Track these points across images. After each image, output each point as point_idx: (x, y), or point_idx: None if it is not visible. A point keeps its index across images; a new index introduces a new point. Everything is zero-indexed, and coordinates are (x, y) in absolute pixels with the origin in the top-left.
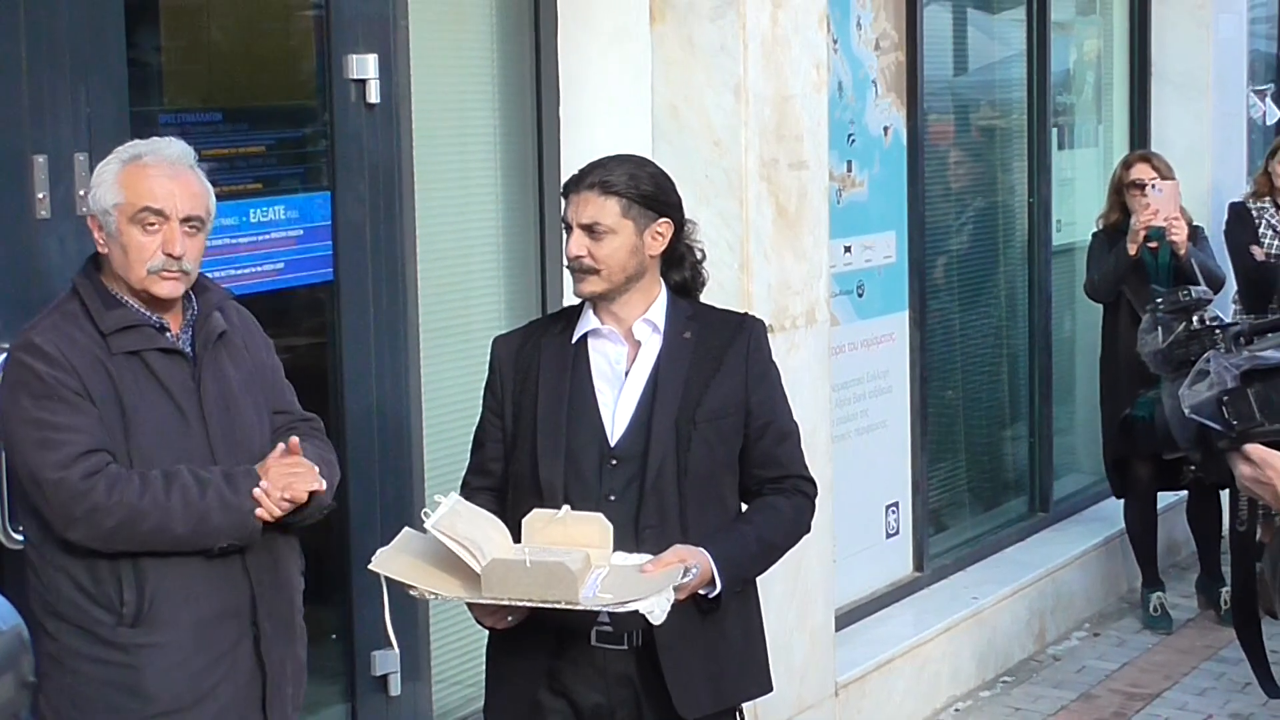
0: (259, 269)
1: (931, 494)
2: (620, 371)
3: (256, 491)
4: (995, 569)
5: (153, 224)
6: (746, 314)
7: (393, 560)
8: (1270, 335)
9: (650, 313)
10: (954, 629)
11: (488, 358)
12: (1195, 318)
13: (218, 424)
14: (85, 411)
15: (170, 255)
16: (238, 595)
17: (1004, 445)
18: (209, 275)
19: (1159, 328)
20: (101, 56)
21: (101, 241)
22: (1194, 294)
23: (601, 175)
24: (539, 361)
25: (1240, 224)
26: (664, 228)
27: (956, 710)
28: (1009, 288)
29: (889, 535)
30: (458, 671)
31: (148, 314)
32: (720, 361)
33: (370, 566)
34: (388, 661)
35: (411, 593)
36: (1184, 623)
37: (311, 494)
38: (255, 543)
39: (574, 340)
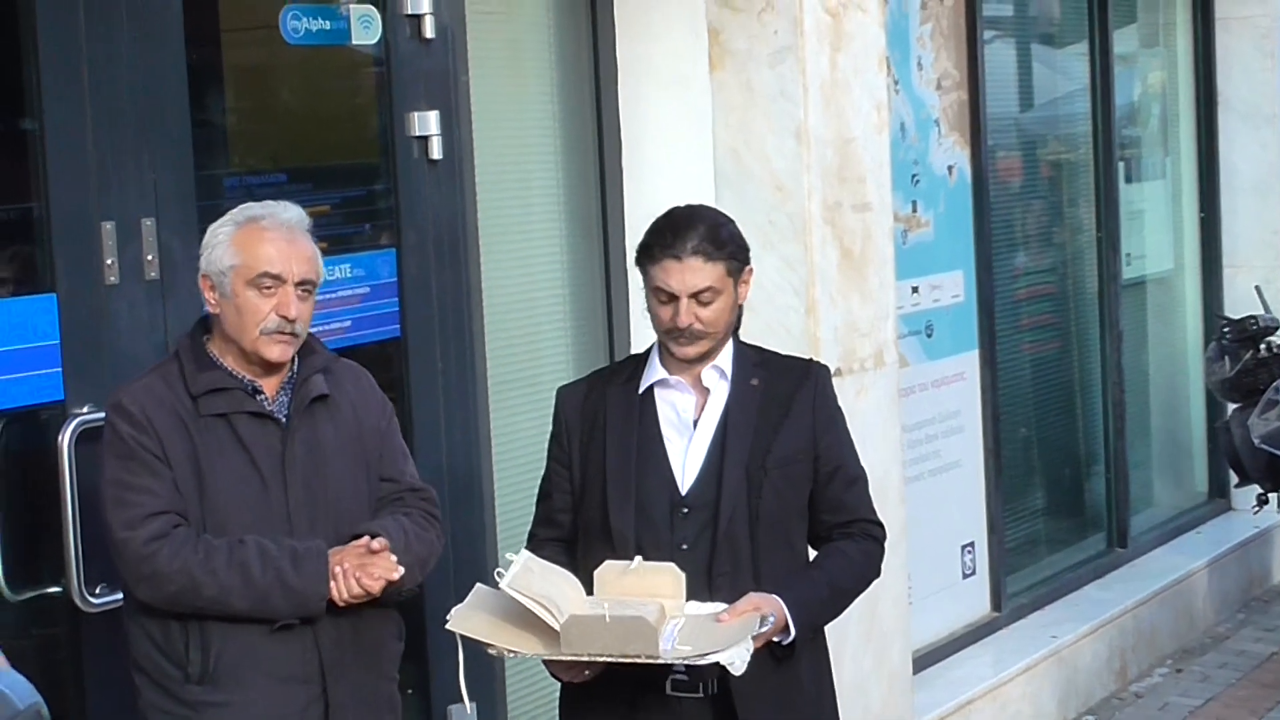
0: (326, 327)
1: (1007, 533)
2: (689, 420)
3: (336, 570)
4: (1074, 607)
5: (269, 287)
6: (811, 359)
7: (469, 618)
8: None
9: (719, 360)
10: (1034, 669)
11: None
12: (1263, 345)
13: (300, 489)
14: (160, 474)
15: (285, 318)
16: (306, 663)
17: (1080, 482)
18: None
19: (1226, 356)
20: (165, 121)
21: (213, 301)
22: (1261, 321)
23: (702, 237)
24: (606, 411)
25: None
26: (748, 276)
27: None
28: (1079, 323)
29: (965, 576)
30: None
31: (241, 377)
32: (788, 408)
33: (447, 626)
34: (463, 717)
35: (490, 651)
36: (1267, 657)
37: (390, 581)
38: (321, 616)
39: (640, 390)
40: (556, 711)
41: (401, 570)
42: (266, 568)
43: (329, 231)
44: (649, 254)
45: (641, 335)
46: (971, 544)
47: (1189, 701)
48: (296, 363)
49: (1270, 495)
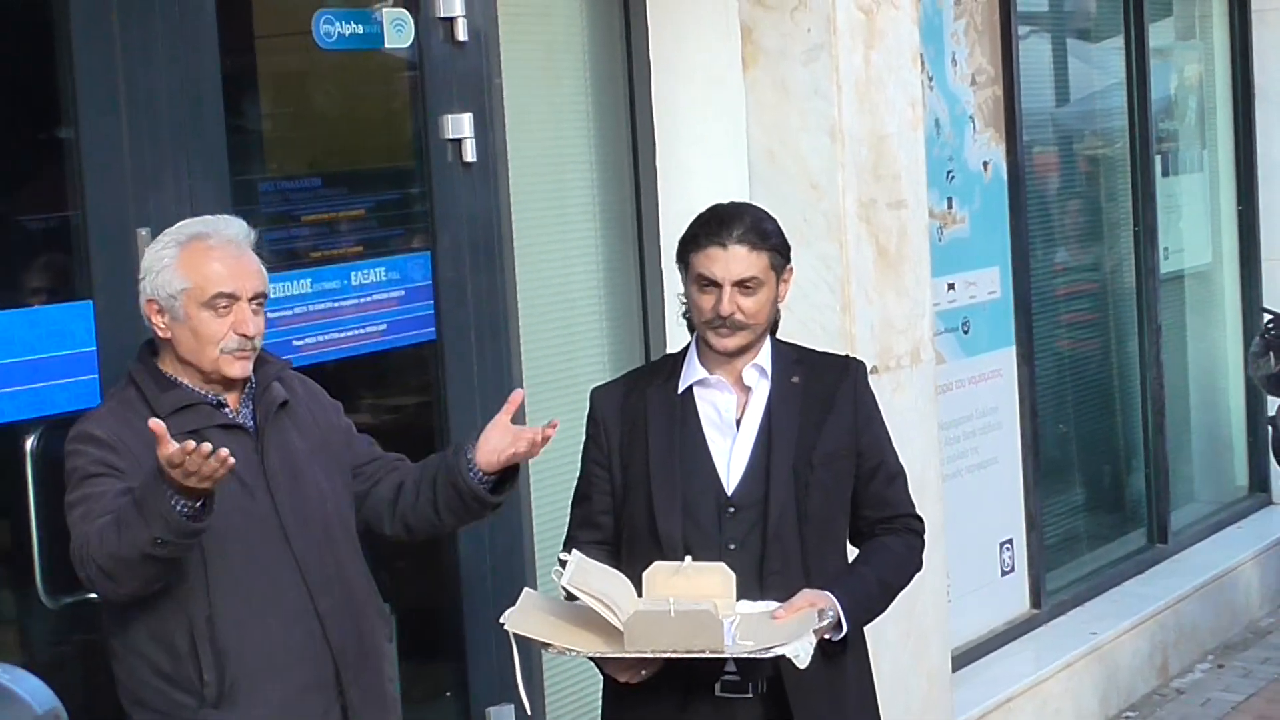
0: (362, 331)
1: (1046, 529)
2: (731, 420)
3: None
4: (1114, 603)
5: (225, 306)
6: (849, 356)
7: (525, 620)
8: None
9: (759, 358)
10: (1074, 665)
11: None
12: None
13: (285, 495)
14: (114, 483)
15: (244, 335)
16: (320, 667)
17: (1119, 477)
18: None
19: (1270, 351)
20: (200, 127)
21: (163, 326)
22: None
23: (747, 228)
24: (646, 412)
25: None
26: (789, 275)
27: None
28: (1118, 318)
29: (1004, 573)
30: (574, 713)
31: (204, 392)
32: (830, 405)
33: (505, 627)
34: (504, 716)
35: (549, 651)
36: None
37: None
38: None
39: (680, 390)
40: (598, 712)
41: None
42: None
43: (364, 236)
44: (694, 243)
45: (677, 337)
46: (1010, 541)
47: (1231, 697)
48: (252, 373)
49: None
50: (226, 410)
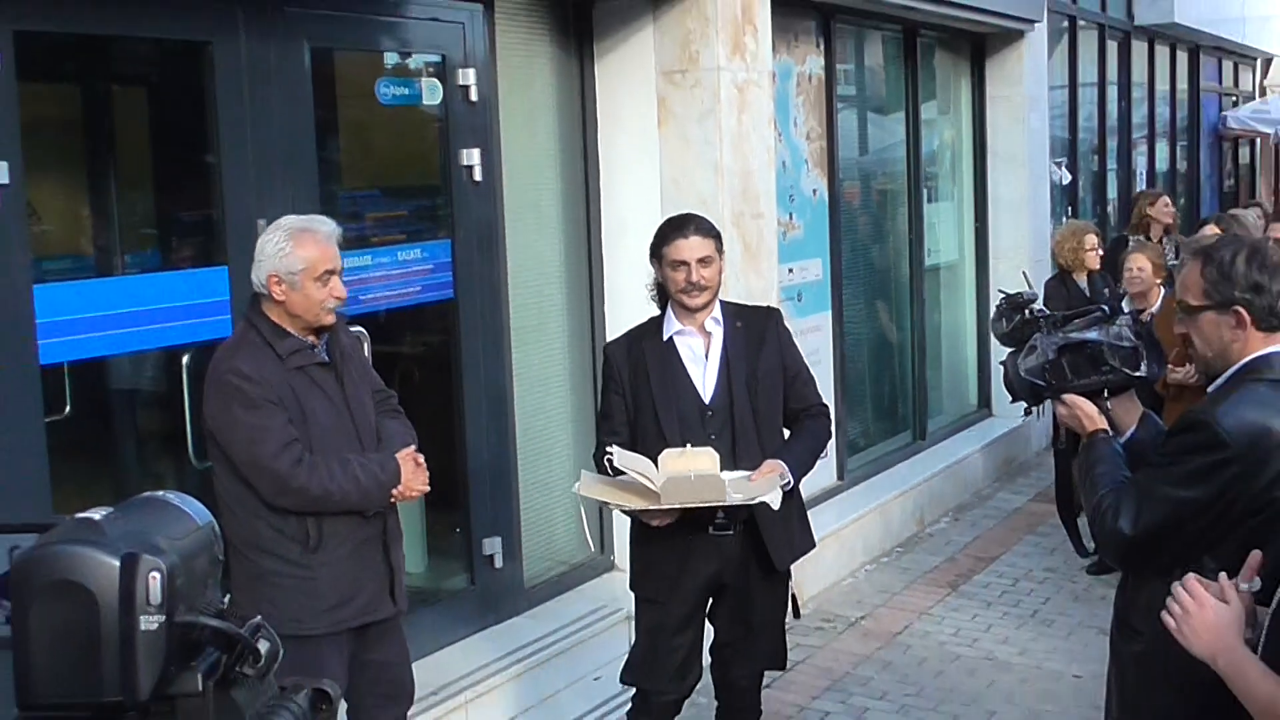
0: (405, 291)
1: (849, 429)
2: (701, 355)
3: (395, 491)
4: (891, 478)
5: (326, 279)
6: (770, 306)
7: (590, 487)
8: (1074, 322)
9: (715, 313)
10: (863, 518)
11: (566, 350)
12: (1027, 310)
13: (358, 413)
14: (278, 415)
15: (338, 298)
16: (373, 535)
17: (895, 397)
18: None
19: (1003, 318)
20: (300, 152)
21: (280, 293)
22: (1025, 295)
23: (698, 224)
24: (644, 357)
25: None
26: (724, 255)
27: (866, 570)
28: (897, 294)
29: (822, 458)
30: (541, 552)
31: (305, 339)
32: (763, 339)
33: (580, 492)
34: (494, 546)
35: (610, 507)
36: (1013, 510)
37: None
38: None
39: (665, 339)
40: (560, 546)
41: (427, 488)
42: (367, 473)
43: (407, 228)
44: (665, 240)
45: (614, 302)
46: None
47: (963, 539)
48: None
49: (1032, 409)
50: (316, 350)
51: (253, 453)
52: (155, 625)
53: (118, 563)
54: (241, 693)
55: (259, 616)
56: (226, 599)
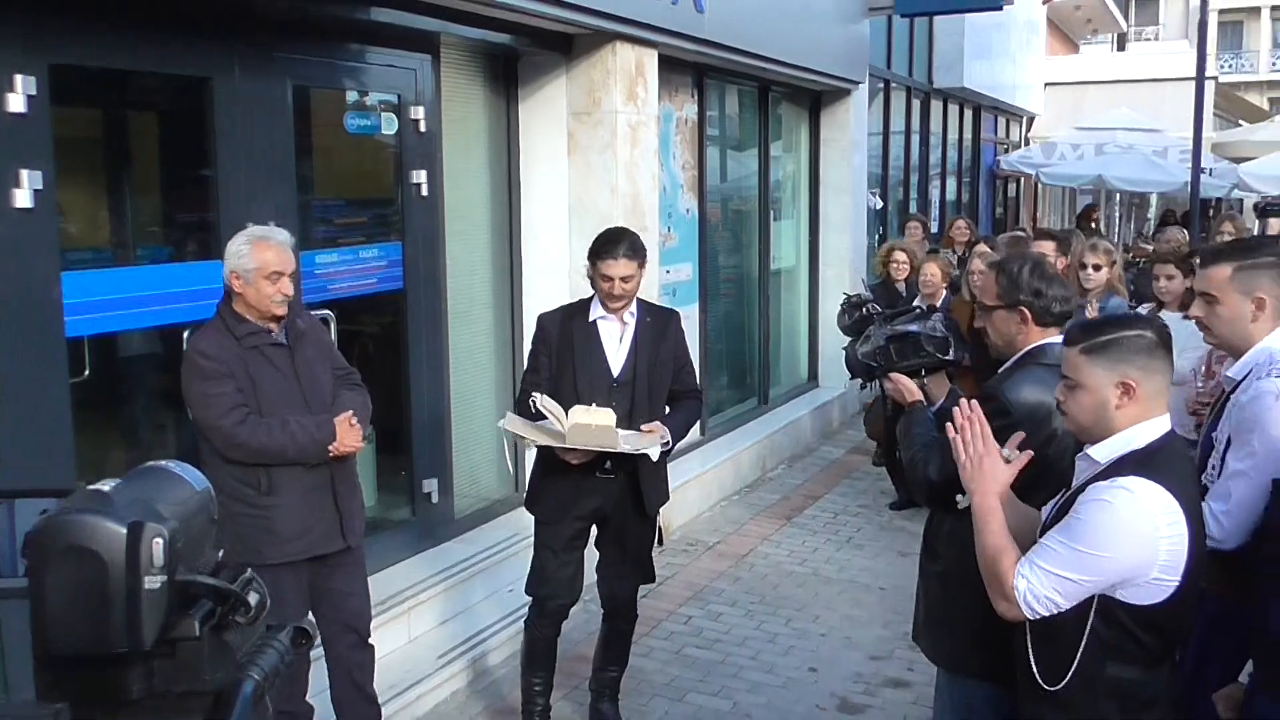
0: (364, 283)
1: (710, 396)
2: (616, 339)
3: (332, 447)
4: (742, 434)
5: (274, 278)
6: (672, 309)
7: (513, 424)
8: (899, 318)
9: (631, 308)
10: (720, 465)
11: (491, 330)
12: (864, 308)
13: (307, 384)
14: (227, 384)
15: (285, 295)
16: (322, 482)
17: (745, 370)
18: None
19: (845, 314)
20: (282, 169)
21: (239, 286)
22: (862, 296)
23: (629, 246)
24: (571, 331)
25: None
26: (645, 267)
27: (721, 505)
28: (749, 292)
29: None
30: (468, 490)
31: (261, 325)
32: (664, 334)
33: (503, 426)
34: (431, 485)
35: (524, 442)
36: (834, 459)
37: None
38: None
39: (590, 320)
40: (484, 484)
41: (362, 445)
42: (304, 432)
43: (366, 231)
44: (599, 254)
45: (530, 296)
46: None
47: (795, 481)
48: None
49: (866, 384)
50: (272, 333)
51: (206, 415)
52: (158, 584)
53: (124, 530)
54: (233, 635)
55: (249, 570)
56: (220, 553)
